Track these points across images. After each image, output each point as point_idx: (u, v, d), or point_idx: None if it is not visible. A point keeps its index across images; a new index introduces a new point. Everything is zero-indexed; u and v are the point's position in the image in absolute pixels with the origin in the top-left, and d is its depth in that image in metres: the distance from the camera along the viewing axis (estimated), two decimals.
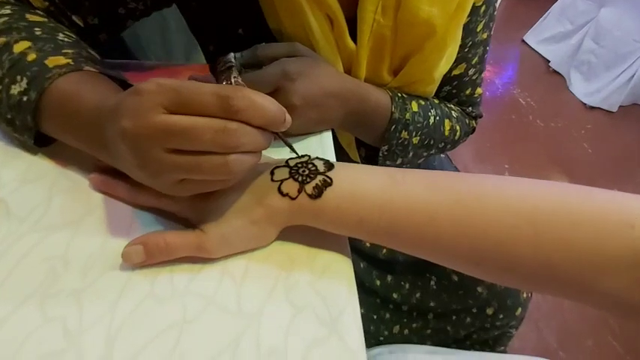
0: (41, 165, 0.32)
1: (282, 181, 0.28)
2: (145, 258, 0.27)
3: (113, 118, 0.23)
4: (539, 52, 2.07)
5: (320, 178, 0.28)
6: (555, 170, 1.57)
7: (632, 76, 1.74)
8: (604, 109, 1.81)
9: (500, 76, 1.95)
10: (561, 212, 0.25)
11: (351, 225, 0.28)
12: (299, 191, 0.28)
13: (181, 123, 0.22)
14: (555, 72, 1.99)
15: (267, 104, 0.23)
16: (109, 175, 0.30)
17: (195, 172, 0.23)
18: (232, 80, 0.30)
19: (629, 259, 0.23)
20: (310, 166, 0.29)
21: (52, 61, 0.29)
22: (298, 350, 0.25)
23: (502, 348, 0.66)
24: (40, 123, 0.30)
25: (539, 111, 1.79)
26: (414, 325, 0.61)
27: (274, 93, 0.36)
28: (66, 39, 0.33)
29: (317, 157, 0.31)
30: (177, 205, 0.29)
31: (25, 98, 0.28)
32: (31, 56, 0.29)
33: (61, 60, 0.30)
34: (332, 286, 0.28)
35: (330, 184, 0.28)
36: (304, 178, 0.28)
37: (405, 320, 0.61)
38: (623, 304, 0.24)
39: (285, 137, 0.28)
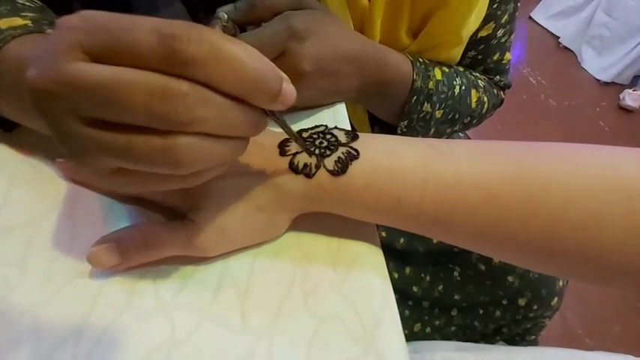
0: None
1: (294, 154, 0.23)
2: (120, 260, 0.21)
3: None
4: (548, 28, 2.03)
5: (343, 149, 0.23)
6: None
7: None
8: (618, 84, 1.78)
9: None
10: None
11: (386, 208, 0.22)
12: (317, 167, 0.22)
13: (98, 76, 0.14)
14: (566, 48, 1.95)
15: (245, 57, 0.15)
16: None
17: (126, 157, 0.15)
18: None
19: None
20: (329, 136, 0.24)
21: (5, 22, 0.25)
22: None
23: (532, 337, 0.63)
24: None
25: (551, 89, 1.75)
26: (437, 323, 0.57)
27: (278, 58, 0.29)
28: (27, 3, 0.28)
29: (336, 127, 0.25)
30: (161, 191, 0.23)
31: None
32: None
33: (17, 21, 0.25)
34: (362, 287, 0.23)
35: (356, 157, 0.22)
36: (322, 150, 0.23)
37: (427, 317, 0.57)
38: None
39: (281, 117, 0.19)
